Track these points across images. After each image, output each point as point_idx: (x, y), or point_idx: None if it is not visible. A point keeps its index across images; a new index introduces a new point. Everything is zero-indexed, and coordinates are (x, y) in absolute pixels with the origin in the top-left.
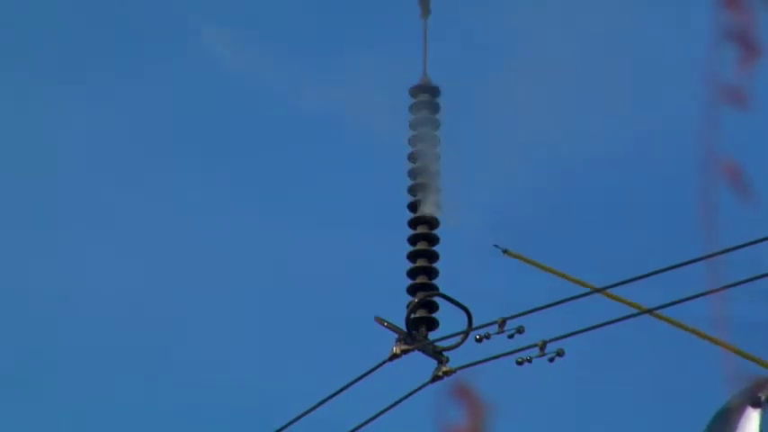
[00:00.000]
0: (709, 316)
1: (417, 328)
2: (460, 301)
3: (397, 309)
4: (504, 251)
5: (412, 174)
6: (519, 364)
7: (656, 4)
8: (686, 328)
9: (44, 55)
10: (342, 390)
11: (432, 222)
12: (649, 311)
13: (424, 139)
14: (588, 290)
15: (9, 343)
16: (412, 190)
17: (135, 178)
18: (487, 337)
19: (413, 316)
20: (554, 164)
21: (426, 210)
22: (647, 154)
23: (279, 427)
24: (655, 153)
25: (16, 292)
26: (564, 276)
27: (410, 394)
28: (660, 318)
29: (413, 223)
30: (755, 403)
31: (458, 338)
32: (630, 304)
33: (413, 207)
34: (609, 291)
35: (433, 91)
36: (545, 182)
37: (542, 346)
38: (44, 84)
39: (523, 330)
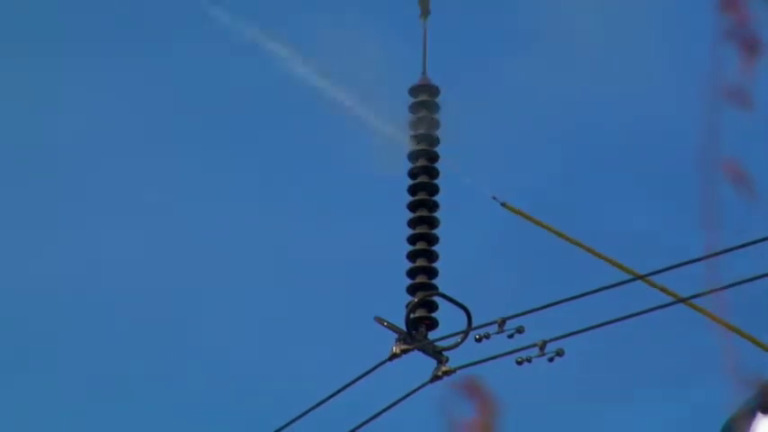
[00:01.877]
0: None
1: (417, 328)
2: (460, 300)
3: (397, 309)
4: (503, 204)
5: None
6: (519, 363)
7: (658, 4)
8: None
9: (44, 44)
10: (342, 390)
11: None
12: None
13: (423, 139)
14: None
15: (11, 336)
16: (412, 189)
17: (134, 169)
18: (487, 336)
19: (413, 316)
20: (553, 162)
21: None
22: (650, 152)
23: (279, 427)
24: (657, 151)
25: (18, 282)
26: (561, 235)
27: (410, 394)
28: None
29: (413, 223)
30: (765, 409)
31: (457, 338)
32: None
33: (413, 207)
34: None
35: (433, 91)
36: (544, 181)
37: (542, 346)
38: (45, 72)
39: (523, 330)
